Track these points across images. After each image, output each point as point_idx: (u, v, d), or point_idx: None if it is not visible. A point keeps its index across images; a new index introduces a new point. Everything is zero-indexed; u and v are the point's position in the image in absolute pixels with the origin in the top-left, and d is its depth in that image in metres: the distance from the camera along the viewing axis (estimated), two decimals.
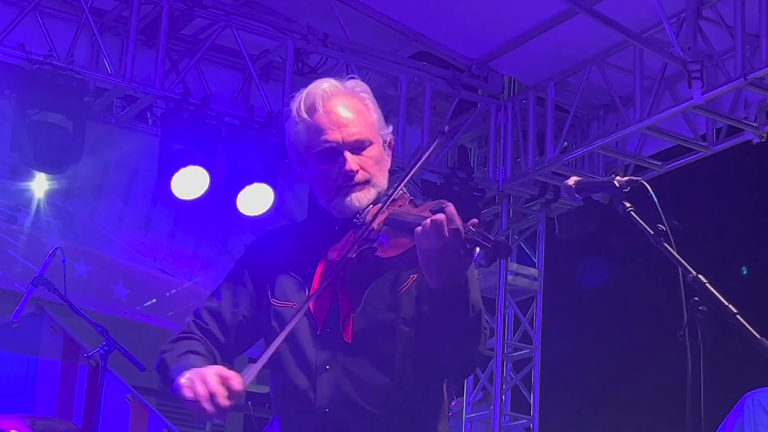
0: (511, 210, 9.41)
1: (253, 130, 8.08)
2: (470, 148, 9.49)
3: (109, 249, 8.47)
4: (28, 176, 8.08)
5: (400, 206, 3.09)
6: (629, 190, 3.10)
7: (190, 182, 7.82)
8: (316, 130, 3.15)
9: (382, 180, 3.17)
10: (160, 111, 8.11)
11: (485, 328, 3.08)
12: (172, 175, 7.80)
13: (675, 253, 2.98)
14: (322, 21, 8.47)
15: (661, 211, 3.05)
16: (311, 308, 3.08)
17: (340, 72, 8.49)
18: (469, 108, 9.21)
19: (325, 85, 3.19)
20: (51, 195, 8.19)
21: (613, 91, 8.43)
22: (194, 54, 8.12)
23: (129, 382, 8.21)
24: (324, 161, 3.16)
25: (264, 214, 8.05)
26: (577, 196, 3.24)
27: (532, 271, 9.35)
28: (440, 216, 2.87)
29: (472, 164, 9.30)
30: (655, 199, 3.06)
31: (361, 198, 3.13)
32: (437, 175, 8.86)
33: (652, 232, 3.00)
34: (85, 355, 6.82)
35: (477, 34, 8.72)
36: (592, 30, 8.00)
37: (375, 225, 3.03)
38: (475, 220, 2.92)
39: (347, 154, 3.13)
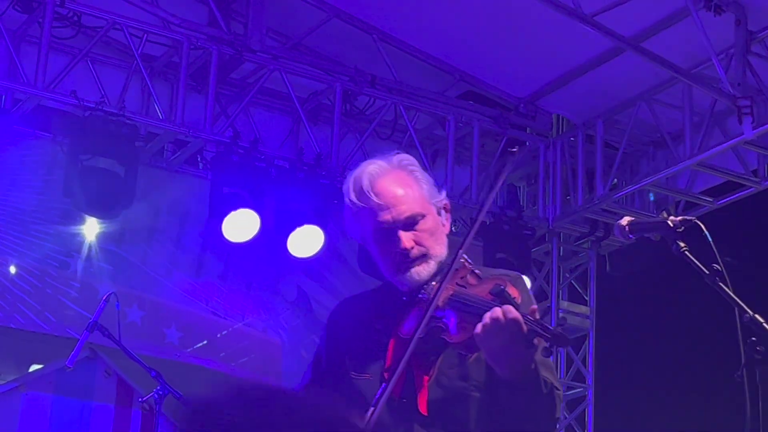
0: (561, 248, 9.37)
1: (302, 172, 8.12)
2: (519, 187, 9.48)
3: (162, 293, 8.50)
4: (80, 222, 8.14)
5: (462, 278, 3.15)
6: (683, 230, 3.09)
7: (241, 225, 7.87)
8: (369, 213, 3.24)
9: (439, 250, 3.25)
10: (210, 155, 8.17)
11: (558, 390, 3.15)
12: (222, 218, 7.84)
13: (731, 293, 2.96)
14: (369, 63, 8.52)
15: (715, 250, 3.03)
16: (387, 379, 3.13)
17: (388, 113, 8.54)
18: (518, 146, 9.20)
19: (371, 167, 3.28)
20: (103, 240, 8.25)
21: (662, 128, 8.40)
22: (243, 98, 8.19)
23: None
24: (381, 241, 3.24)
25: (315, 255, 8.08)
26: (630, 236, 3.24)
27: (584, 309, 9.29)
28: (497, 313, 2.92)
29: (521, 203, 9.29)
30: (710, 239, 3.05)
31: (421, 272, 3.22)
32: (487, 214, 8.84)
33: (707, 272, 2.99)
34: (140, 399, 6.85)
35: (524, 73, 8.73)
36: (640, 67, 7.98)
37: (440, 302, 3.09)
38: (535, 307, 2.99)
39: (401, 233, 3.21)
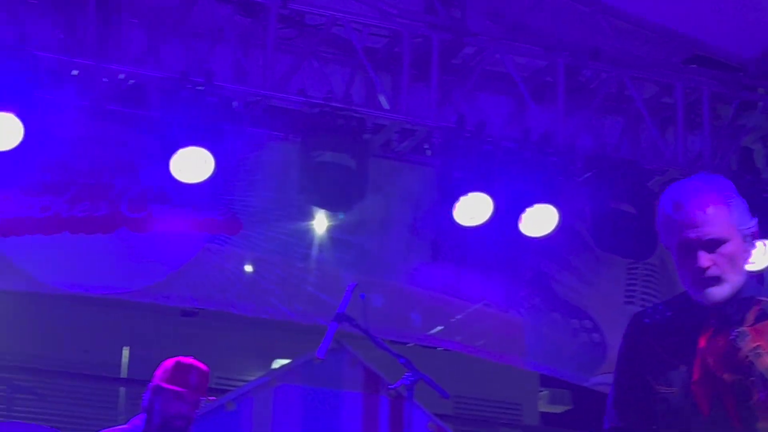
0: None
1: (530, 151, 8.07)
2: (755, 149, 9.16)
3: (401, 279, 8.64)
4: (317, 215, 8.34)
5: None
6: None
7: (473, 208, 7.88)
8: (678, 227, 3.41)
9: (735, 277, 3.40)
10: (437, 141, 8.21)
11: None
12: (453, 203, 7.88)
13: None
14: (589, 35, 8.40)
15: None
16: (694, 392, 3.31)
17: (612, 86, 8.40)
18: (751, 108, 8.90)
19: (689, 184, 3.47)
20: (340, 231, 8.42)
21: None
22: (466, 82, 8.19)
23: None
24: (682, 255, 3.42)
25: (549, 234, 8.02)
26: None
27: None
28: None
29: (758, 165, 8.98)
30: None
31: (714, 293, 3.38)
32: None
33: None
34: (389, 387, 6.95)
35: (752, 31, 8.44)
36: None
37: (742, 355, 3.26)
38: None
39: (700, 253, 3.38)
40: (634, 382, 3.46)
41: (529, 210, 7.98)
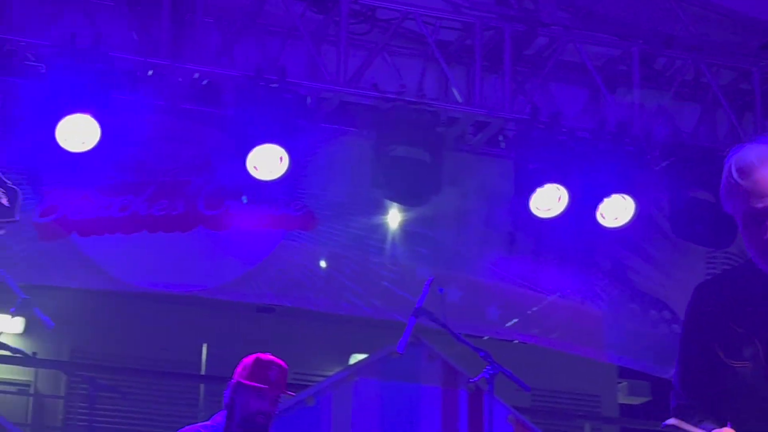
0: None
1: (605, 141, 8.00)
2: None
3: (478, 272, 8.63)
4: (392, 209, 8.35)
5: None
6: None
7: (549, 200, 7.83)
8: (744, 194, 3.16)
9: None
10: (511, 133, 8.17)
11: None
12: (529, 194, 7.84)
13: None
14: (663, 22, 8.31)
15: None
16: None
17: (687, 73, 8.30)
18: None
19: (757, 149, 3.19)
20: (415, 225, 8.43)
21: None
22: (539, 73, 8.14)
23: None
24: (749, 226, 3.17)
25: (626, 224, 7.95)
26: None
27: None
28: None
29: None
30: None
31: None
32: None
33: None
34: (470, 381, 6.93)
35: None
36: None
37: None
38: None
39: None
40: (702, 356, 3.23)
41: (606, 200, 7.92)
